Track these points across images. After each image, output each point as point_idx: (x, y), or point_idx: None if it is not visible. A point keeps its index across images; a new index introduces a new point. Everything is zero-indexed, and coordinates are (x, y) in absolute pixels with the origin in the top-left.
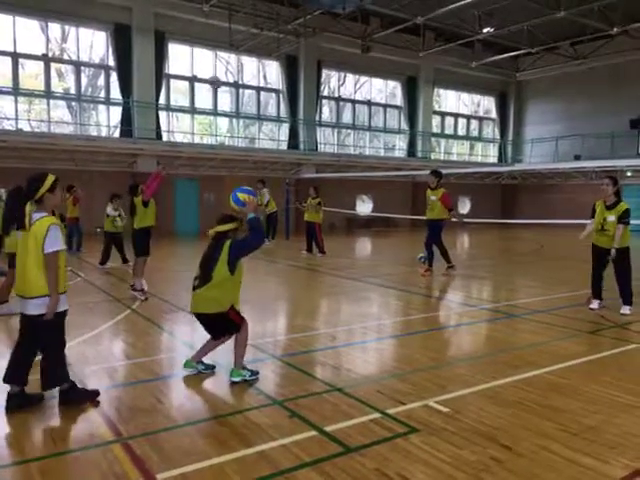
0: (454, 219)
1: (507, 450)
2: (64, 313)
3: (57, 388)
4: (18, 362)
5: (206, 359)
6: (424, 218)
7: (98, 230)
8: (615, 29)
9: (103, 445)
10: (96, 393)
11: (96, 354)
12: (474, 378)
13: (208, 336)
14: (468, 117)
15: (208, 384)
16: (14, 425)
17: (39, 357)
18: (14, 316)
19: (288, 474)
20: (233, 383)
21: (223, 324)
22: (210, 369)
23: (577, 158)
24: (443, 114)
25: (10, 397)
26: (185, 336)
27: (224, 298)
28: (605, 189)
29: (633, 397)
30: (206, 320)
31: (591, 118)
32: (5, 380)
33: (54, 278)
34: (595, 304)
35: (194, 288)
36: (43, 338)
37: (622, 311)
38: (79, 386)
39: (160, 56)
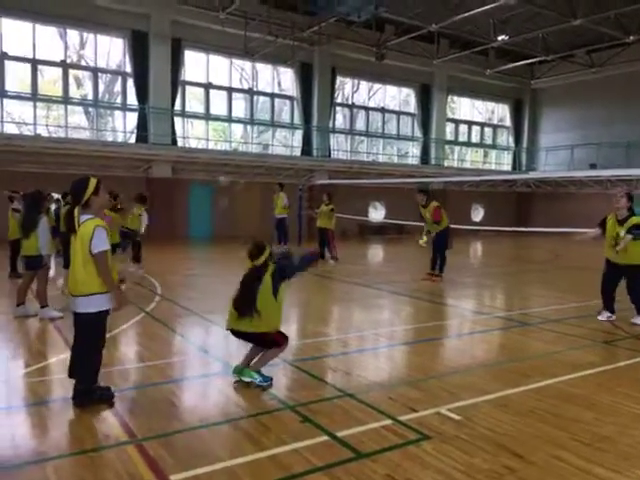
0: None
1: (519, 459)
2: (106, 312)
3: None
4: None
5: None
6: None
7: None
8: (631, 37)
9: (117, 446)
10: (110, 395)
11: (111, 356)
12: (487, 386)
13: (220, 339)
14: (482, 125)
15: (221, 387)
16: (29, 425)
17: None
18: (30, 317)
19: (300, 478)
20: (241, 382)
21: (262, 342)
22: (268, 381)
23: (592, 167)
24: (457, 121)
25: (75, 392)
26: (199, 340)
27: (270, 323)
28: (618, 200)
29: None
30: (245, 337)
31: (606, 126)
32: (69, 375)
33: (107, 275)
34: (604, 316)
35: (237, 311)
36: (82, 332)
37: (633, 320)
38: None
39: (176, 63)
